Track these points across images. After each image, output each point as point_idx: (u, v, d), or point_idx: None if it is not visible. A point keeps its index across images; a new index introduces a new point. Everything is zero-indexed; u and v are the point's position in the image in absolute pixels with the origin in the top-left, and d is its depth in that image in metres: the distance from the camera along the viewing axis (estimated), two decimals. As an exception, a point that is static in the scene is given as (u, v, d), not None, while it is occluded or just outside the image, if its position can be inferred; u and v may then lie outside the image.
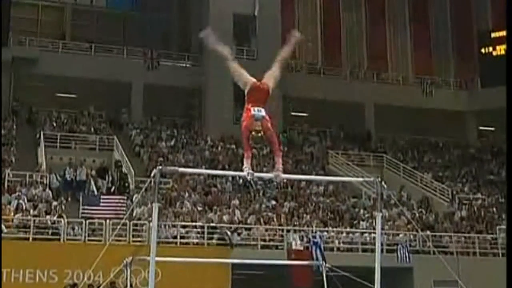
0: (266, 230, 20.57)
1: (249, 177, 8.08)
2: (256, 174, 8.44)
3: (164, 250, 14.22)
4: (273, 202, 22.78)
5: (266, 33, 29.87)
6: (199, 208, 21.14)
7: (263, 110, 8.00)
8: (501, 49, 33.58)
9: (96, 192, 21.58)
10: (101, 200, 20.16)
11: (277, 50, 8.63)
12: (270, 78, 8.34)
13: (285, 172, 8.80)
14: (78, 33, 33.33)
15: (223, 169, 24.06)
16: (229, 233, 19.59)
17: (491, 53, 34.49)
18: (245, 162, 8.06)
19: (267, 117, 7.98)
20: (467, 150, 33.31)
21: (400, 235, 21.49)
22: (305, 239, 20.12)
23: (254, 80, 8.25)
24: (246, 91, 8.23)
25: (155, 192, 8.12)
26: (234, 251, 19.05)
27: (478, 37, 36.05)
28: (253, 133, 7.84)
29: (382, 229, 19.01)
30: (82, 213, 19.63)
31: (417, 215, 23.87)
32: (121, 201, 20.06)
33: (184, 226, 19.70)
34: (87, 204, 19.90)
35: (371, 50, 35.51)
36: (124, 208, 19.53)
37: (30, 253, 17.62)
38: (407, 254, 20.75)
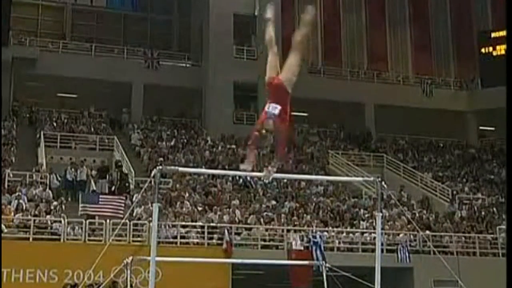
0: (266, 230, 20.54)
1: (242, 170, 7.72)
2: (250, 174, 8.22)
3: (164, 250, 14.25)
4: (273, 202, 22.76)
5: (266, 33, 29.77)
6: (199, 208, 21.11)
7: (278, 107, 7.46)
8: (501, 49, 33.61)
9: (96, 192, 21.55)
10: (100, 198, 20.10)
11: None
12: (285, 69, 7.65)
13: (285, 172, 8.73)
14: (78, 33, 33.41)
15: (223, 169, 24.02)
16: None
17: (491, 53, 34.52)
18: (246, 159, 7.71)
19: (281, 116, 7.41)
20: (467, 150, 33.32)
21: (400, 235, 21.45)
22: (305, 239, 20.08)
23: (268, 75, 7.66)
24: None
25: (155, 192, 8.11)
26: (234, 251, 19.03)
27: (478, 37, 36.07)
28: (262, 131, 7.32)
29: (382, 229, 19.07)
30: (81, 210, 19.56)
31: (417, 215, 23.84)
32: (120, 200, 20.03)
33: (184, 226, 19.67)
34: (85, 201, 19.85)
35: (371, 50, 35.53)
36: (123, 208, 19.50)
37: (30, 253, 17.56)
38: (407, 254, 20.71)
